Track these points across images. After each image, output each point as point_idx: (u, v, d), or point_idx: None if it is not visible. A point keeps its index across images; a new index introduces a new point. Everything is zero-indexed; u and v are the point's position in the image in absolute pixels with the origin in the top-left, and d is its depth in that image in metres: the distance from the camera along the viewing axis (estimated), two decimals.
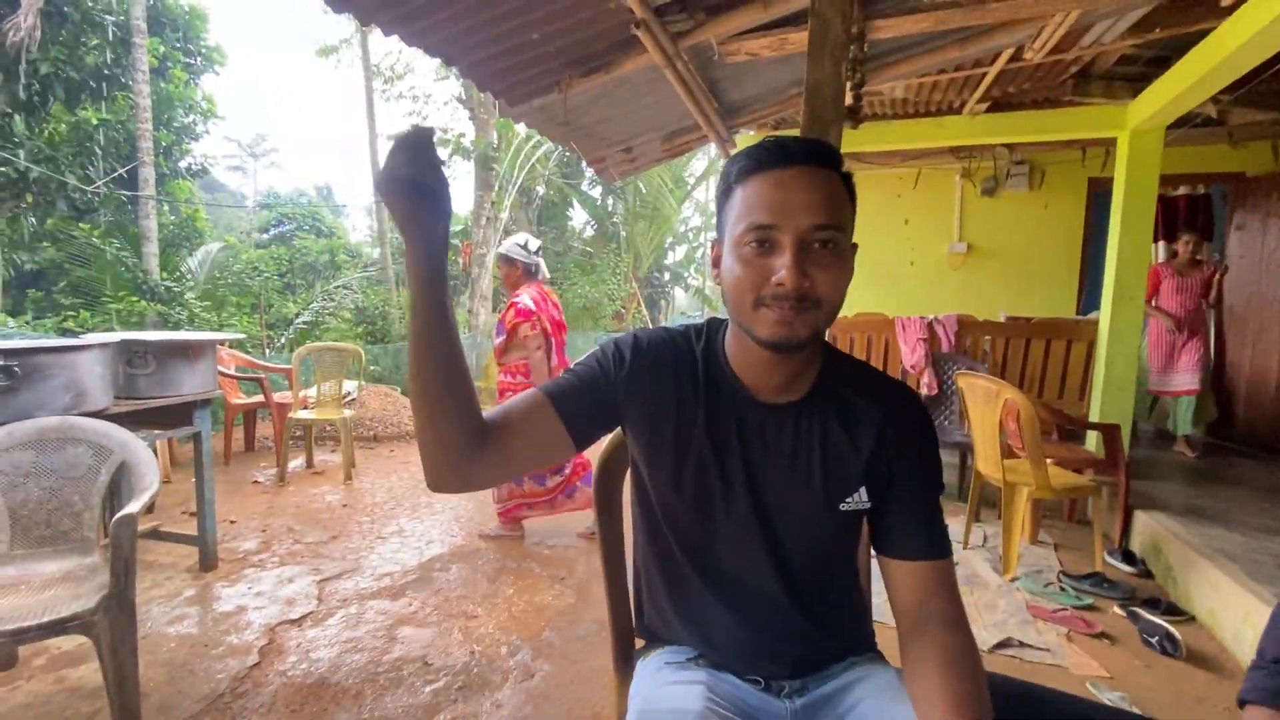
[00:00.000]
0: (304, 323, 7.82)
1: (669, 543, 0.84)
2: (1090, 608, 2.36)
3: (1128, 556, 2.73)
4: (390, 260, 8.53)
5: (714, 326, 0.84)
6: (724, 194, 0.75)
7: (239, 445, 4.83)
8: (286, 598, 2.46)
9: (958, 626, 0.72)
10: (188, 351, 2.54)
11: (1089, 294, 5.05)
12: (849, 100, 1.44)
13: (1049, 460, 2.76)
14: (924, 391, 3.78)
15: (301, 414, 4.08)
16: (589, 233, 14.56)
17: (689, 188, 13.46)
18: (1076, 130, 3.63)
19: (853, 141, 4.04)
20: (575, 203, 13.52)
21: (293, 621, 2.28)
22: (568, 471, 3.09)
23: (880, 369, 0.87)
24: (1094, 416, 3.57)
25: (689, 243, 15.52)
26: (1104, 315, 3.56)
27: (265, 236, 16.02)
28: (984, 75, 2.96)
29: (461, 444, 0.70)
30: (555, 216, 13.32)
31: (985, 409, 2.69)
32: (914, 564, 0.76)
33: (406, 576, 2.68)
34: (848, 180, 0.73)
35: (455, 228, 13.07)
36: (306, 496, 3.76)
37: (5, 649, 1.94)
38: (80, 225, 5.93)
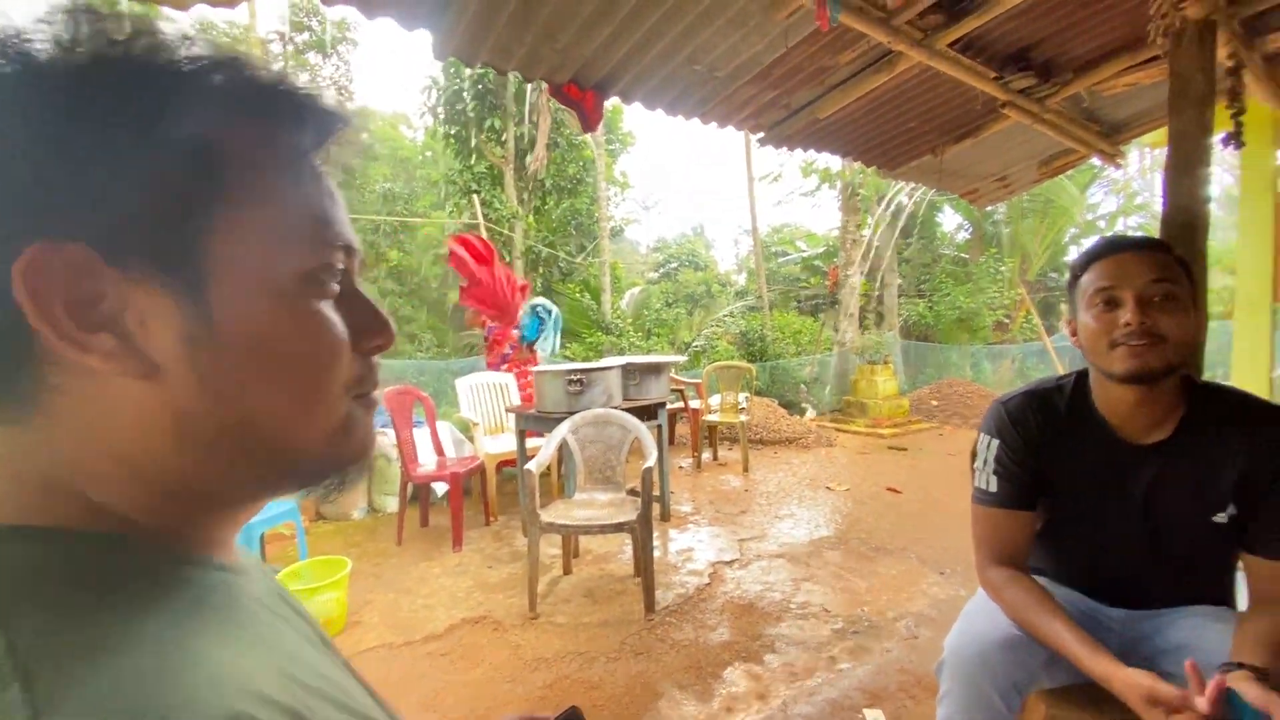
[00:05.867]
0: (698, 346, 9.54)
1: (1066, 541, 1.13)
2: None
3: None
4: (765, 289, 9.69)
5: (1081, 378, 1.04)
6: (1072, 283, 1.02)
7: None
8: (718, 547, 3.38)
9: None
10: (654, 370, 3.76)
11: None
12: (1218, 137, 1.39)
13: None
14: None
15: (710, 418, 5.23)
16: (963, 237, 13.47)
17: (1097, 167, 11.24)
18: None
19: None
20: (947, 208, 12.74)
21: (725, 563, 3.16)
22: None
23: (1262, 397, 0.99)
24: None
25: (1101, 233, 12.85)
26: None
27: (655, 275, 19.47)
28: None
29: None
30: (922, 225, 12.79)
31: None
32: (1274, 563, 0.91)
33: (800, 549, 3.34)
34: (1182, 261, 0.95)
35: (817, 250, 13.80)
36: (717, 480, 4.84)
37: (574, 543, 3.30)
38: (567, 284, 8.82)
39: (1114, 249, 0.96)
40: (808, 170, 12.39)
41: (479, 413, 4.30)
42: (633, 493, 2.94)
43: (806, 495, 4.39)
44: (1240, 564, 0.97)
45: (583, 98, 1.68)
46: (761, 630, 2.47)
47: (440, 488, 3.99)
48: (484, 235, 6.17)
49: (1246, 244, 2.98)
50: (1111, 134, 2.18)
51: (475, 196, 6.00)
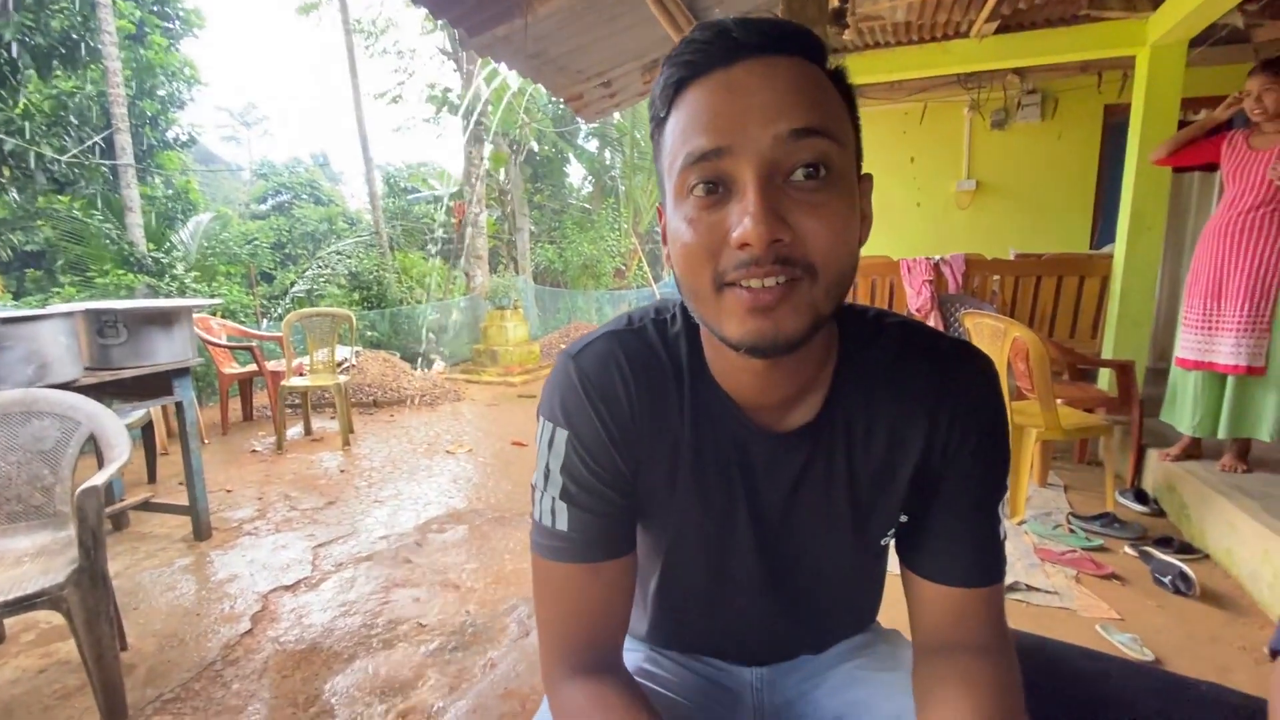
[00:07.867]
0: (300, 291, 7.74)
1: (674, 584, 0.68)
2: (1100, 549, 2.30)
3: (1140, 495, 2.65)
4: (383, 224, 8.35)
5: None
6: (657, 129, 0.49)
7: (236, 415, 4.81)
8: (281, 564, 2.44)
9: (997, 653, 0.56)
10: (161, 319, 2.46)
11: (1103, 227, 4.85)
12: (834, 2, 1.28)
13: (1059, 400, 2.66)
14: None
15: (295, 381, 4.02)
16: (588, 189, 14.23)
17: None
18: (1092, 49, 3.38)
19: (854, 73, 3.81)
20: (573, 159, 13.17)
21: (286, 587, 2.26)
22: None
23: (929, 325, 0.64)
24: (1107, 353, 3.45)
25: None
26: (1119, 248, 3.39)
27: (263, 207, 15.79)
28: None
29: None
30: (552, 173, 13.00)
31: (992, 349, 2.57)
32: (952, 589, 0.57)
33: (403, 540, 2.65)
34: (838, 78, 0.48)
35: (451, 189, 12.84)
36: (304, 463, 3.74)
37: None
38: (60, 198, 5.82)
39: (729, 50, 0.44)
40: (431, 98, 11.29)
41: None
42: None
43: (421, 466, 3.70)
44: (907, 584, 0.63)
45: None
46: (320, 688, 1.72)
47: None
48: None
49: None
50: None
51: None
